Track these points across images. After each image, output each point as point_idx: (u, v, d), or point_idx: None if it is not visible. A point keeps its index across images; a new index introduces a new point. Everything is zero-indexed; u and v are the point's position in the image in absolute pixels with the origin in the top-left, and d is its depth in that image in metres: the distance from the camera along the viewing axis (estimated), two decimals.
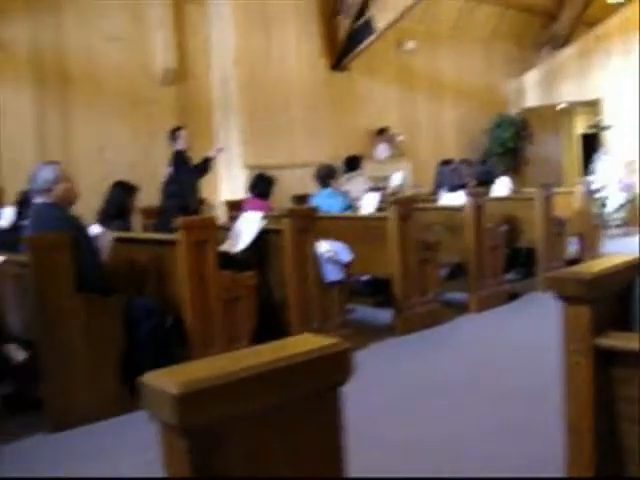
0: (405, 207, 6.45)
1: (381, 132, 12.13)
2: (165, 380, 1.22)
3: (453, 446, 3.99)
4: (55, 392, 4.52)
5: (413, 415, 4.55)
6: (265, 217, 5.95)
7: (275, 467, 1.35)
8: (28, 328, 4.75)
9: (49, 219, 4.69)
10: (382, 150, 12.03)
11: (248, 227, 5.77)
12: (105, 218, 6.17)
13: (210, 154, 8.84)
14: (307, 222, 5.62)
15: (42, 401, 4.56)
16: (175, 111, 9.89)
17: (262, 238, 5.77)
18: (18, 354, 4.72)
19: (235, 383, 1.23)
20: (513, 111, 14.78)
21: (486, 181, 8.78)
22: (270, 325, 5.48)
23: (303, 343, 1.43)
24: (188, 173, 8.08)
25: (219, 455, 1.26)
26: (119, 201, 6.24)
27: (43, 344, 4.48)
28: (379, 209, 7.38)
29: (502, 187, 8.92)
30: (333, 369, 1.42)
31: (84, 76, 9.35)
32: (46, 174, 4.78)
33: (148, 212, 7.37)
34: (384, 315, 6.74)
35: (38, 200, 4.78)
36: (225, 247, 5.58)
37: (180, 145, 8.48)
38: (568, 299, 1.91)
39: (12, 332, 4.86)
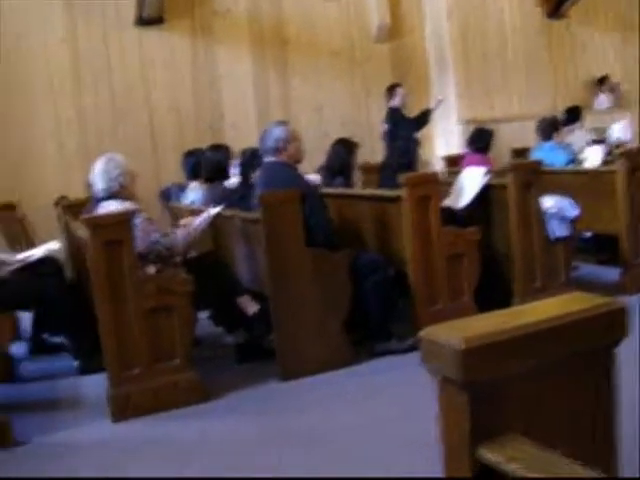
0: (635, 159, 6.12)
1: (601, 81, 11.54)
2: (450, 335, 1.22)
3: None
4: (285, 343, 4.69)
5: None
6: (488, 172, 5.84)
7: (549, 425, 1.33)
8: (258, 281, 4.95)
9: (280, 177, 4.84)
10: (602, 100, 11.45)
11: (471, 183, 5.69)
12: (327, 175, 6.30)
13: (430, 106, 8.80)
14: (531, 177, 5.45)
15: (273, 351, 4.76)
16: (390, 68, 9.89)
17: (485, 194, 5.67)
18: (251, 306, 4.94)
19: (516, 340, 1.22)
20: None
21: None
22: (492, 282, 5.40)
23: (576, 301, 1.39)
24: (407, 129, 8.09)
25: (496, 410, 1.25)
26: (341, 158, 6.33)
27: (275, 297, 4.65)
28: (604, 162, 7.04)
29: None
30: (607, 329, 1.37)
31: (301, 37, 9.55)
32: (277, 134, 4.93)
33: (367, 168, 7.44)
34: (610, 273, 6.46)
35: (269, 159, 4.94)
36: (447, 202, 5.54)
37: (396, 102, 8.49)
38: None
39: (245, 285, 5.08)
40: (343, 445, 3.68)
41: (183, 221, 4.99)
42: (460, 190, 5.70)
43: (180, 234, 4.72)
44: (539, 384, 1.31)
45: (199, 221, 4.83)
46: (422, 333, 1.28)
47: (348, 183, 6.27)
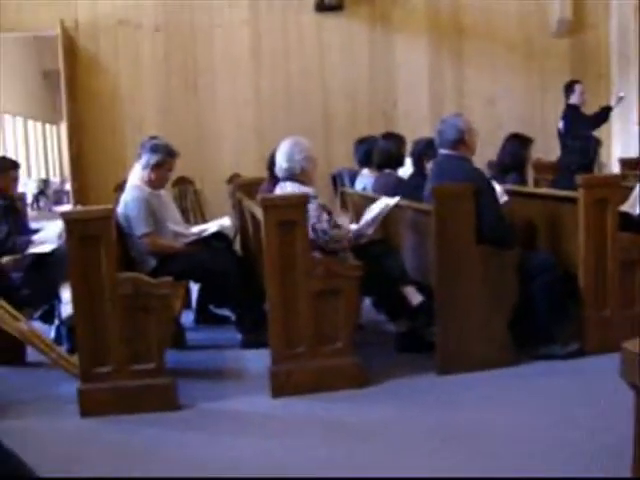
0: None
1: None
2: None
3: None
4: (447, 337, 4.66)
5: None
6: None
7: None
8: (425, 273, 4.94)
9: (453, 170, 4.80)
10: None
11: None
12: (499, 171, 6.19)
13: (610, 103, 8.49)
14: None
15: (433, 343, 4.75)
16: (569, 63, 9.61)
17: None
18: (415, 297, 4.95)
19: None
20: None
21: None
22: None
23: None
24: (584, 127, 7.83)
25: None
26: (514, 153, 6.20)
27: (440, 290, 4.63)
28: None
29: None
30: None
31: (478, 28, 9.44)
32: (457, 126, 4.88)
33: (540, 166, 7.27)
34: None
35: (445, 151, 4.91)
36: (625, 208, 5.33)
37: (574, 99, 8.25)
38: None
39: (410, 275, 5.09)
40: (496, 445, 3.63)
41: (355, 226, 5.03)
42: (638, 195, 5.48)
43: (352, 228, 4.78)
44: None
45: (373, 217, 4.86)
46: (627, 344, 1.25)
47: (521, 180, 6.13)
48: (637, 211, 5.37)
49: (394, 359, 5.01)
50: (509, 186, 5.68)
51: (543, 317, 4.81)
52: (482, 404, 4.22)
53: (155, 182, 5.42)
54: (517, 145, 6.23)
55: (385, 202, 4.94)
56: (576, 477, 3.17)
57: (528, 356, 4.83)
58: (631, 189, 5.55)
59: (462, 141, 4.83)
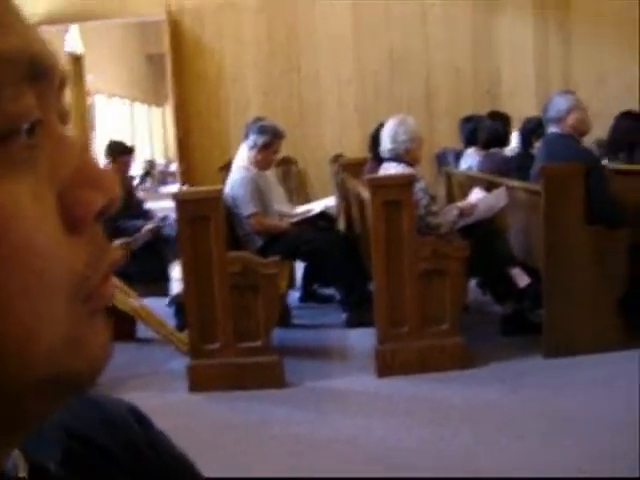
0: None
1: None
2: None
3: None
4: (554, 319, 4.59)
5: None
6: None
7: None
8: (532, 255, 4.87)
9: (562, 149, 4.71)
10: None
11: None
12: (610, 150, 6.04)
13: None
14: None
15: (540, 326, 4.68)
16: None
17: None
18: (522, 278, 4.89)
19: None
20: None
21: None
22: None
23: None
24: None
25: None
26: (627, 131, 6.02)
27: (548, 272, 4.56)
28: None
29: None
30: None
31: (585, 4, 9.14)
32: (560, 104, 4.79)
33: None
34: None
35: (551, 129, 4.82)
36: None
37: None
38: None
39: (517, 256, 5.03)
40: (604, 431, 3.54)
41: (462, 203, 4.98)
42: None
43: (452, 216, 4.73)
44: None
45: (479, 211, 4.81)
46: None
47: (632, 159, 5.96)
48: None
49: (500, 341, 4.96)
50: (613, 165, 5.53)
51: None
52: (590, 388, 4.14)
53: (262, 163, 5.49)
54: (630, 123, 6.05)
55: (496, 198, 4.89)
56: None
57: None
58: None
59: (565, 119, 4.72)
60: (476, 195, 4.97)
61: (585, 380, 4.26)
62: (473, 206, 4.86)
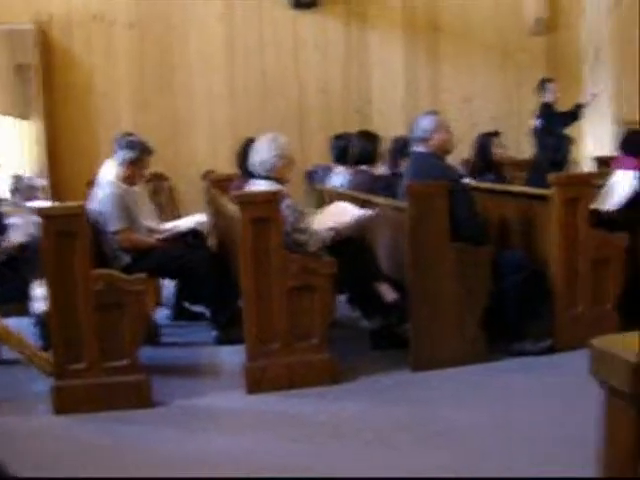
0: None
1: None
2: (622, 347, 1.21)
3: None
4: (420, 333, 4.69)
5: None
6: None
7: None
8: (400, 270, 4.96)
9: (427, 168, 4.83)
10: None
11: (621, 186, 5.53)
12: (476, 169, 6.23)
13: (583, 100, 8.55)
14: None
15: (407, 340, 4.77)
16: (544, 62, 9.67)
17: (635, 199, 5.50)
18: (390, 294, 4.97)
19: None
20: None
21: None
22: (637, 291, 5.23)
23: None
24: (559, 125, 7.91)
25: None
26: (490, 152, 6.24)
27: (414, 287, 4.66)
28: None
29: None
30: None
31: (454, 26, 9.46)
32: (426, 123, 4.92)
33: (514, 164, 7.31)
34: None
35: (417, 149, 4.94)
36: (595, 205, 5.39)
37: (548, 97, 8.32)
38: None
39: (385, 272, 5.12)
40: (468, 441, 3.66)
41: (338, 223, 4.99)
42: (609, 193, 5.55)
43: (327, 235, 4.76)
44: None
45: (345, 223, 4.87)
46: (594, 342, 1.27)
47: (497, 178, 6.17)
48: (606, 207, 5.44)
49: (368, 356, 5.03)
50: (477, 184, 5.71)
51: (515, 314, 4.87)
52: (454, 400, 4.26)
53: (130, 179, 5.41)
54: (487, 144, 6.27)
55: (362, 213, 4.96)
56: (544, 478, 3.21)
57: (501, 353, 4.88)
58: (601, 187, 5.62)
59: (432, 138, 4.86)
60: (341, 208, 5.02)
61: (450, 393, 4.37)
62: (349, 226, 4.90)
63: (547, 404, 4.07)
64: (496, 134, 6.34)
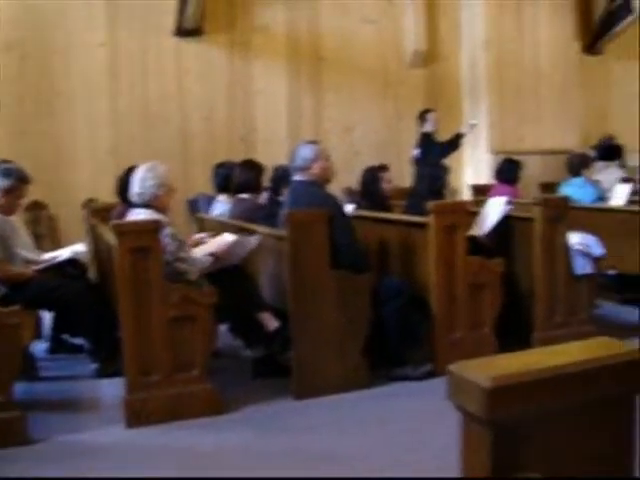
0: None
1: None
2: (478, 372, 1.24)
3: None
4: (303, 361, 4.71)
5: None
6: (510, 202, 5.88)
7: (570, 469, 1.35)
8: (282, 299, 4.98)
9: (307, 196, 4.88)
10: None
11: (492, 210, 5.73)
12: (359, 198, 6.32)
13: (462, 130, 8.80)
14: (559, 212, 5.46)
15: (290, 368, 4.78)
16: (424, 93, 9.95)
17: (507, 224, 5.71)
18: (271, 323, 4.97)
19: (543, 381, 1.24)
20: None
21: None
22: (513, 314, 5.41)
23: (603, 346, 1.41)
24: (437, 155, 8.11)
25: (517, 451, 1.28)
26: (372, 182, 6.33)
27: (295, 315, 4.68)
28: (630, 202, 7.01)
29: None
30: (632, 376, 1.39)
31: (337, 57, 9.64)
32: (306, 152, 4.98)
33: (394, 193, 7.46)
34: (631, 313, 6.45)
35: (297, 177, 4.99)
36: (471, 231, 5.56)
37: (428, 127, 8.53)
38: None
39: (267, 301, 5.12)
40: (353, 467, 3.69)
41: (217, 249, 4.97)
42: (483, 218, 5.73)
43: (206, 261, 4.74)
44: (562, 426, 1.33)
45: (223, 247, 4.87)
46: (451, 367, 1.30)
47: (378, 207, 6.26)
48: (479, 232, 5.61)
49: (251, 385, 5.02)
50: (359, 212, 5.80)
51: (395, 340, 4.95)
52: (336, 427, 4.28)
53: (5, 208, 5.24)
54: (373, 173, 6.36)
55: (246, 242, 4.97)
56: None
57: (383, 378, 4.94)
58: (475, 214, 5.79)
59: (311, 167, 4.91)
60: (227, 239, 5.01)
61: (331, 420, 4.40)
62: (227, 252, 4.89)
63: (427, 428, 4.14)
64: (384, 168, 6.42)
